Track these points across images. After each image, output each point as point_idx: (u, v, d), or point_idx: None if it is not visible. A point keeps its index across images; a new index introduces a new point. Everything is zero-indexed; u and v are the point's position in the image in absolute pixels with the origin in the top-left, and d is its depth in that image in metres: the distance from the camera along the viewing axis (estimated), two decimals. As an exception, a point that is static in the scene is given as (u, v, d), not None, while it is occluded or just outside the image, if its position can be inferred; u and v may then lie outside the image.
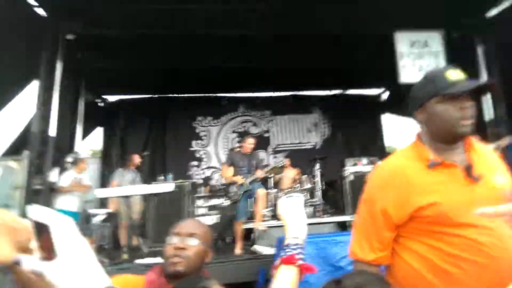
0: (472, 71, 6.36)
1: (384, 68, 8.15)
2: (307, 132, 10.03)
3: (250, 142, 5.58)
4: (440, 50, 7.12)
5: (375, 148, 9.75)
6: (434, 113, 1.24)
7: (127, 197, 6.03)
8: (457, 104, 1.21)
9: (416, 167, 1.24)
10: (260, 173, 5.49)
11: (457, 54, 7.19)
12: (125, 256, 5.29)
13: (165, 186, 6.45)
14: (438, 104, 1.23)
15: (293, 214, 1.17)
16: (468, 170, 1.21)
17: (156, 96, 10.11)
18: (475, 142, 1.32)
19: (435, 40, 7.20)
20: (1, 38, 5.52)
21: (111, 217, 6.13)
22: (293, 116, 10.13)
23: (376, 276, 0.98)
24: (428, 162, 1.23)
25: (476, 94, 1.25)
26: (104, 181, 8.98)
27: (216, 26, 6.92)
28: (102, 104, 9.84)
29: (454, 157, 1.25)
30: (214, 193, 7.66)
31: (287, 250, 1.08)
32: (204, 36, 7.26)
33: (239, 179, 5.37)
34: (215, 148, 9.71)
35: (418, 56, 7.10)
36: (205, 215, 7.07)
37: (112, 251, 5.53)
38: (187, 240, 1.30)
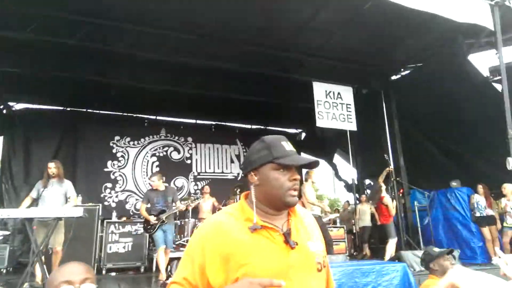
0: (377, 124, 7.47)
1: (303, 110, 8.98)
2: (230, 163, 10.28)
3: (155, 179, 5.78)
4: (351, 103, 8.11)
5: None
6: (267, 178, 1.25)
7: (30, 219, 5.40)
8: (288, 174, 1.25)
9: (239, 227, 1.22)
10: (179, 205, 5.72)
11: (365, 108, 8.31)
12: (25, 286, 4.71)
13: (73, 210, 5.94)
14: (272, 170, 1.25)
15: None
16: (287, 236, 1.23)
17: (68, 109, 9.43)
18: (298, 208, 1.36)
19: (347, 93, 8.20)
20: None
21: (11, 239, 5.42)
22: (216, 146, 10.32)
23: None
24: (251, 224, 1.22)
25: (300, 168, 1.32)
26: (2, 196, 7.98)
27: (141, 47, 6.88)
28: (4, 111, 8.80)
29: (276, 221, 1.26)
30: (129, 219, 7.32)
31: None
32: (128, 55, 7.09)
33: (153, 219, 5.49)
34: (132, 171, 9.33)
35: (332, 105, 7.97)
36: (117, 242, 6.67)
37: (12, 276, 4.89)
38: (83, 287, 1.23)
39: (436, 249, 2.74)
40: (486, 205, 6.77)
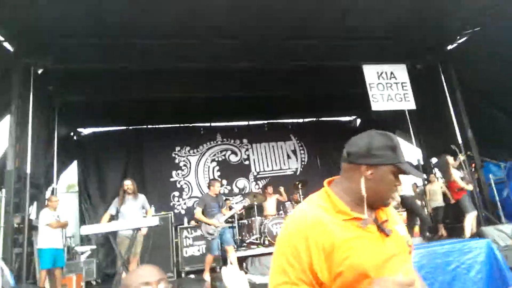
0: (438, 99, 7.06)
1: (355, 97, 8.74)
2: (287, 159, 10.33)
3: (218, 186, 6.25)
4: (406, 81, 7.73)
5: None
6: (383, 178, 1.24)
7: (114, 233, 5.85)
8: (398, 180, 1.27)
9: (334, 220, 1.21)
10: (226, 212, 6.18)
11: (423, 84, 7.88)
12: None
13: (150, 220, 6.44)
14: (391, 173, 1.24)
15: (237, 282, 1.30)
16: (381, 225, 1.25)
17: (131, 128, 10.07)
18: None
19: (401, 72, 7.83)
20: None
21: (96, 253, 5.96)
22: (271, 144, 10.42)
23: None
24: (345, 215, 1.22)
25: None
26: (83, 216, 8.74)
27: (188, 60, 7.13)
28: (75, 138, 9.62)
29: (363, 211, 1.26)
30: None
31: None
32: (176, 69, 7.40)
33: (216, 223, 5.89)
34: (196, 178, 9.72)
35: (385, 86, 7.66)
36: (192, 246, 7.00)
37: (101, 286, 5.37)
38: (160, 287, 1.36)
39: None
40: None
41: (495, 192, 6.97)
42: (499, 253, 4.10)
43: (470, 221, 6.13)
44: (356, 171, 1.25)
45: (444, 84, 7.77)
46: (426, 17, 6.68)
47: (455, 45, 7.55)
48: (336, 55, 7.59)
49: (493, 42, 6.81)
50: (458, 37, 7.42)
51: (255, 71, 7.78)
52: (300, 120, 11.02)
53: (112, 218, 5.83)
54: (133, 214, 5.82)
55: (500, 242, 4.97)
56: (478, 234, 5.37)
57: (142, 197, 6.06)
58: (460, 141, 7.41)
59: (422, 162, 8.99)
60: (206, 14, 5.98)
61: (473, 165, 7.34)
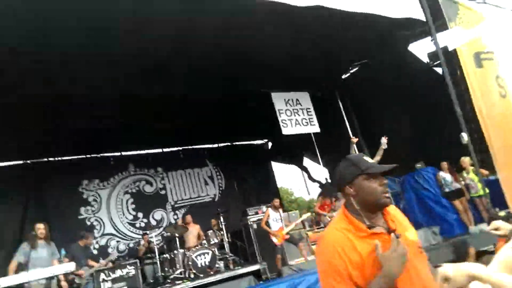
0: (337, 122, 7.81)
1: (265, 121, 9.24)
2: (205, 185, 10.32)
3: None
4: (310, 107, 8.47)
5: (269, 193, 10.51)
6: (362, 187, 1.51)
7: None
8: (378, 181, 1.52)
9: (356, 237, 1.46)
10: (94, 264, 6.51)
11: (324, 109, 8.71)
12: None
13: (65, 266, 5.95)
14: (365, 180, 1.51)
15: None
16: (391, 232, 1.48)
17: (29, 162, 9.06)
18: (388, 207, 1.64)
19: (305, 99, 8.56)
20: None
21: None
22: (188, 171, 10.33)
23: None
24: (362, 231, 1.48)
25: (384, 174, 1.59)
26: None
27: (92, 85, 6.72)
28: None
29: (378, 221, 1.53)
30: (117, 263, 7.14)
31: None
32: (79, 95, 6.87)
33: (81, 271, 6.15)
34: (108, 213, 9.11)
35: (293, 112, 8.29)
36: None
37: None
38: None
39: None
40: (452, 180, 7.20)
41: (393, 203, 7.93)
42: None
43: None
44: (347, 194, 1.55)
45: (342, 109, 8.71)
46: (322, 50, 7.41)
47: (348, 74, 8.56)
48: (247, 83, 7.96)
49: (379, 71, 7.88)
50: (350, 68, 8.44)
51: (167, 98, 7.71)
52: (215, 145, 11.17)
53: (21, 266, 5.27)
54: (46, 262, 5.41)
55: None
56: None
57: (53, 244, 5.71)
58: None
59: (329, 180, 9.81)
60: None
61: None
